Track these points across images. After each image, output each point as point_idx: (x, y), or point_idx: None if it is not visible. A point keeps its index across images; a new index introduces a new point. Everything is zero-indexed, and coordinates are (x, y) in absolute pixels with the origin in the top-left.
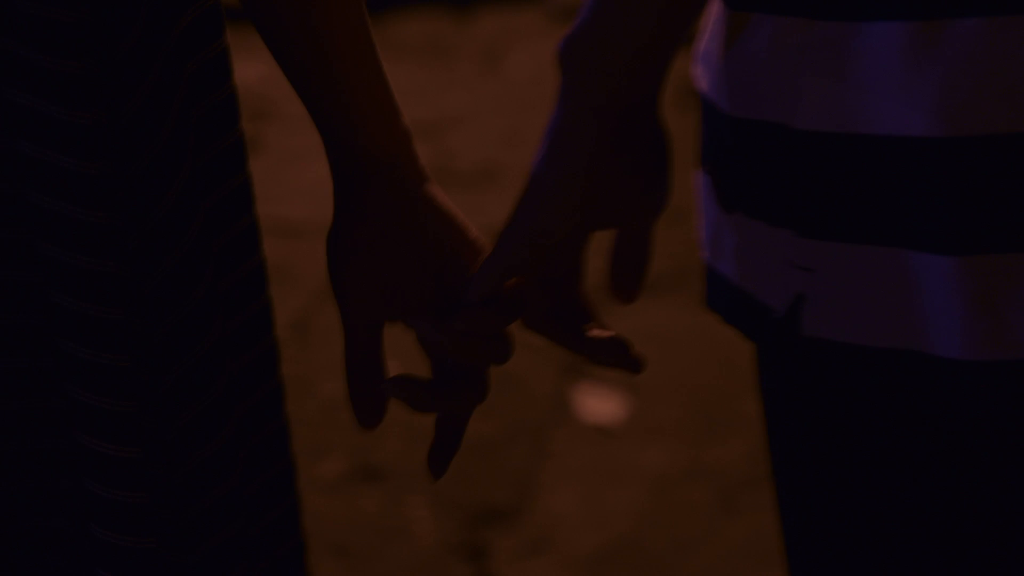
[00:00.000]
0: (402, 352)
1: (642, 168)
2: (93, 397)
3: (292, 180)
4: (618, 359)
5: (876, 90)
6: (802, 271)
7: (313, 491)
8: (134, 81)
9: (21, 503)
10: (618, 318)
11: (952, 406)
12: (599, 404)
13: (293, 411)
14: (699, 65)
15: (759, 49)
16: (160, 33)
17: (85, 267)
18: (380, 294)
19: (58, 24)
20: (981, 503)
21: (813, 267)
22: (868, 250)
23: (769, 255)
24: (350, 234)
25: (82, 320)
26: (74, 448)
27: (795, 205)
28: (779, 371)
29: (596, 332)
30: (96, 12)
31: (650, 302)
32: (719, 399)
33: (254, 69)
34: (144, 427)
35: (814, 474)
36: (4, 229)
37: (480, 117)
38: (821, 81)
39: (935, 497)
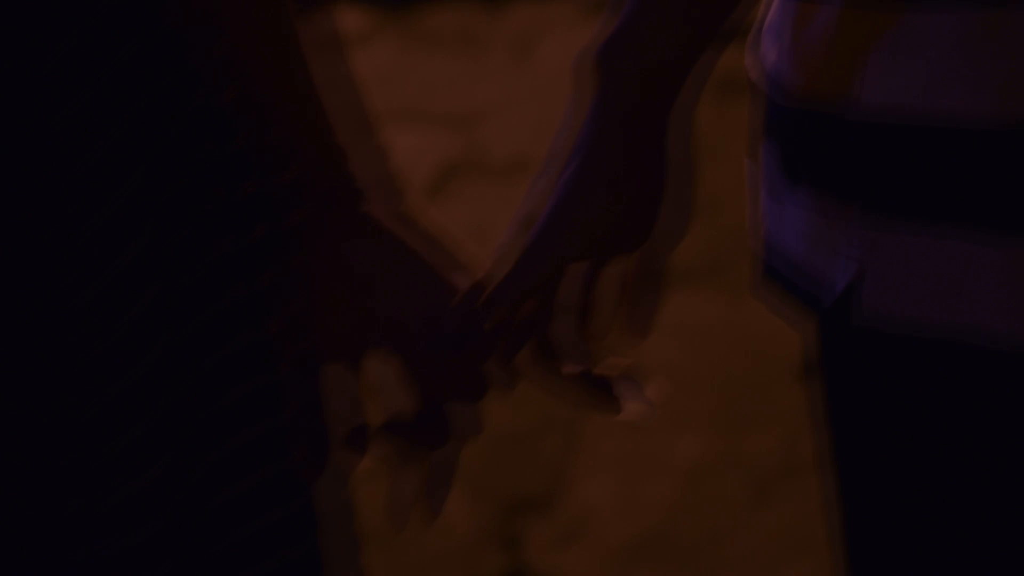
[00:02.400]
0: None
1: (664, 186)
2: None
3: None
4: (629, 395)
5: (941, 78)
6: (864, 249)
7: (345, 483)
8: None
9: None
10: None
11: (996, 397)
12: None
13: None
14: (762, 48)
15: (827, 33)
16: None
17: None
18: (352, 330)
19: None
20: None
21: (875, 245)
22: (924, 238)
23: (834, 230)
24: (309, 268)
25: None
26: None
27: (861, 181)
28: (839, 351)
29: (605, 370)
30: None
31: (682, 293)
32: (751, 390)
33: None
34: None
35: (872, 459)
36: None
37: (512, 109)
38: (886, 66)
39: (989, 488)
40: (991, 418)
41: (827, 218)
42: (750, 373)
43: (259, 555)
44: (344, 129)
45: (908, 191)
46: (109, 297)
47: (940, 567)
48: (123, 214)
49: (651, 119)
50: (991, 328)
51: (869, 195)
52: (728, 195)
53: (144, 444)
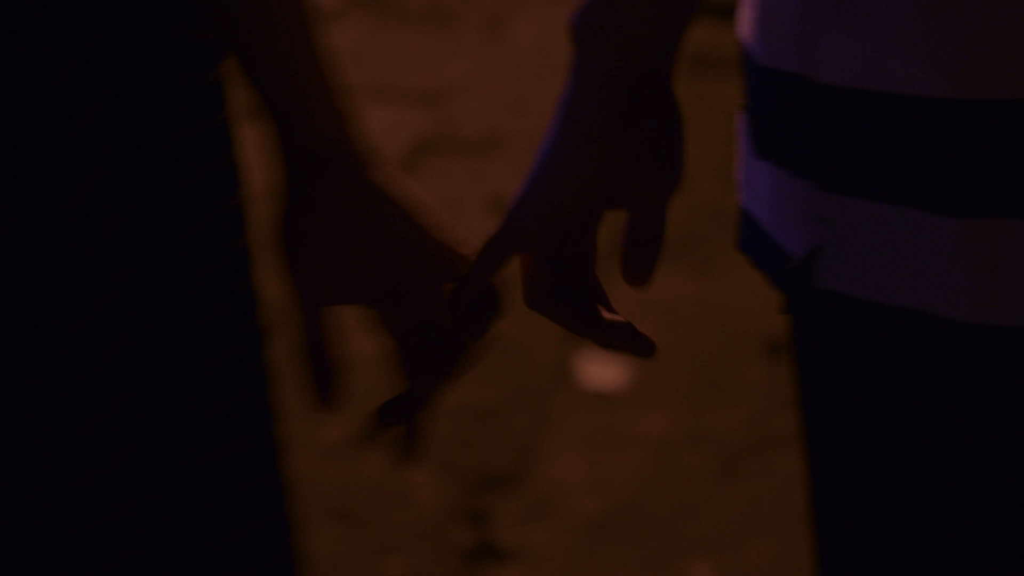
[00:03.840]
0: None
1: (655, 143)
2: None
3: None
4: (628, 343)
5: (894, 49)
6: (821, 223)
7: (314, 456)
8: None
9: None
10: (619, 285)
11: (957, 368)
12: (601, 371)
13: (294, 379)
14: (742, 15)
15: (787, 4)
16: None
17: None
18: (333, 279)
19: None
20: (989, 467)
21: (831, 220)
22: (882, 207)
23: (793, 204)
24: (298, 221)
25: None
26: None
27: (817, 157)
28: (803, 324)
29: (607, 316)
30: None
31: None
32: (720, 366)
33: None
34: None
35: (839, 431)
36: None
37: (484, 85)
38: (842, 36)
39: (954, 459)
40: (953, 389)
41: (789, 188)
42: (719, 349)
43: (226, 527)
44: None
45: (865, 163)
46: (81, 281)
47: (909, 540)
48: (92, 199)
49: (637, 79)
50: (947, 301)
51: (828, 166)
52: (699, 172)
53: (115, 420)
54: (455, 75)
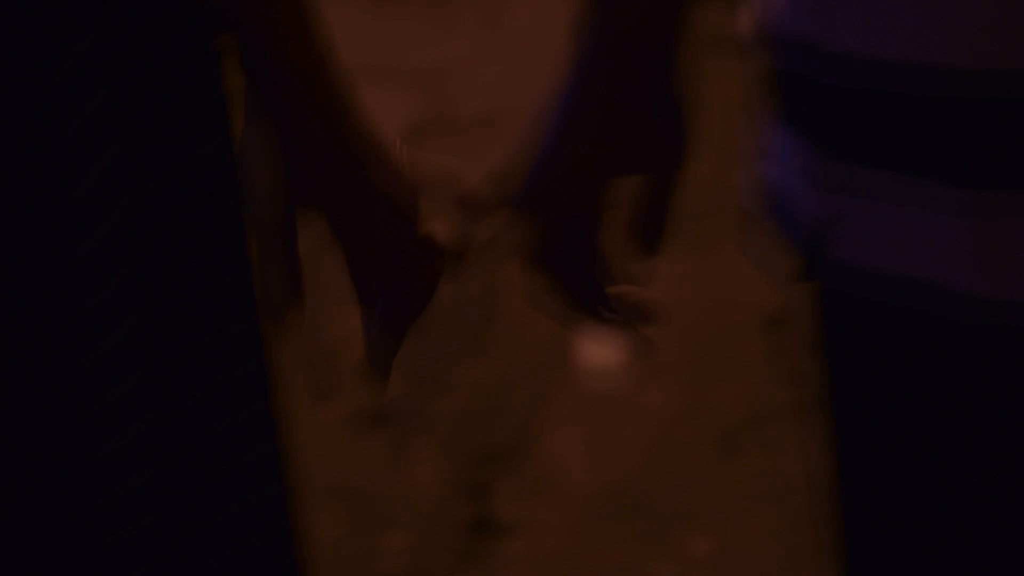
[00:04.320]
0: None
1: (664, 112)
2: None
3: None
4: (626, 323)
5: (907, 17)
6: (837, 192)
7: (315, 434)
8: None
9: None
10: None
11: (967, 340)
12: (600, 347)
13: (295, 353)
14: None
15: None
16: None
17: None
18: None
19: None
20: (1004, 448)
21: (847, 189)
22: (896, 177)
23: (811, 172)
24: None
25: None
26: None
27: (834, 126)
28: (817, 300)
29: (611, 291)
30: None
31: None
32: (719, 340)
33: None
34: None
35: (862, 405)
36: None
37: (481, 66)
38: (860, 3)
39: (966, 437)
40: (965, 369)
41: (807, 156)
42: (717, 323)
43: (225, 502)
44: (359, 90)
45: (881, 132)
46: (97, 291)
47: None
48: (105, 206)
49: (643, 51)
50: (957, 273)
51: (844, 135)
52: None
53: (118, 399)
54: (452, 56)
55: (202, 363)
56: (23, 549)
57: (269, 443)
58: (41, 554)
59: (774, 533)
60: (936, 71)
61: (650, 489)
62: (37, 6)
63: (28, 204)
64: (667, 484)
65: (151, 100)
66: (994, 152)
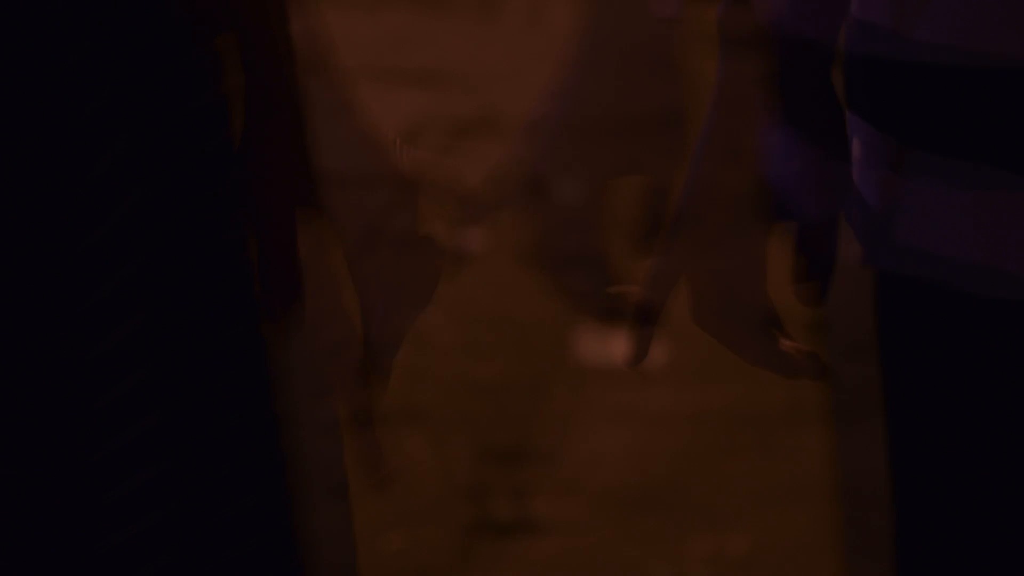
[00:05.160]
0: None
1: (813, 143)
2: None
3: (335, 131)
4: (808, 372)
5: (976, 7)
6: (901, 179)
7: (314, 433)
8: None
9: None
10: None
11: None
12: (611, 347)
13: (296, 353)
14: None
15: None
16: None
17: None
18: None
19: None
20: None
21: (911, 175)
22: (961, 165)
23: (875, 159)
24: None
25: None
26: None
27: (900, 113)
28: (883, 281)
29: (785, 344)
30: None
31: None
32: None
33: (300, 23)
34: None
35: (920, 395)
36: None
37: (524, 71)
38: (936, 2)
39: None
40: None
41: (872, 142)
42: None
43: (228, 501)
44: (359, 89)
45: (949, 121)
46: (107, 297)
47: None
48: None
49: (785, 80)
50: (1017, 268)
51: (911, 122)
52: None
53: (124, 395)
54: (495, 61)
55: (203, 362)
56: (25, 547)
57: (271, 442)
58: (41, 553)
59: (808, 533)
60: (1003, 59)
61: (685, 489)
62: (38, 6)
63: (29, 204)
64: (703, 484)
65: (151, 100)
66: None
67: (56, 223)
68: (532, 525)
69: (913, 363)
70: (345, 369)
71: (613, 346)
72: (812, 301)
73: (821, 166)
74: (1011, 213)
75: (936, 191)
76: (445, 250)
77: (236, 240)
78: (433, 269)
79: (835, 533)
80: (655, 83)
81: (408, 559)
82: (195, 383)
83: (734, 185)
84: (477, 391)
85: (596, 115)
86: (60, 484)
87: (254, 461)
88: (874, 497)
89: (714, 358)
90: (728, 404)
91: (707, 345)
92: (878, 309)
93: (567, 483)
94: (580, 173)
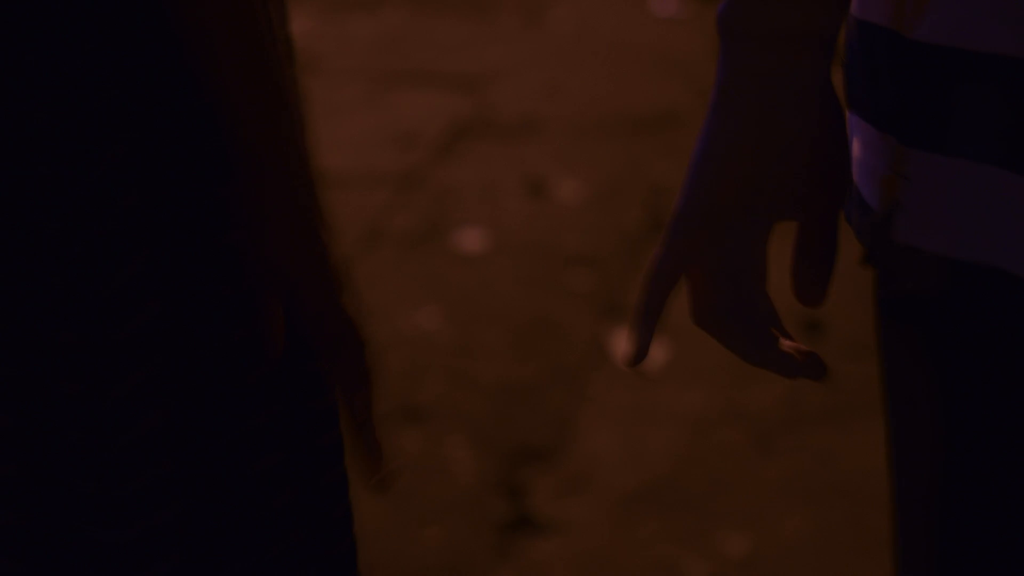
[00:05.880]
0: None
1: (814, 144)
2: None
3: (335, 132)
4: (808, 372)
5: (984, 8)
6: (901, 178)
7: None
8: None
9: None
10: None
11: None
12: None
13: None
14: None
15: None
16: None
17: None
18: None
19: None
20: None
21: (911, 176)
22: (962, 164)
23: (875, 158)
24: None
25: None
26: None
27: (900, 113)
28: (885, 280)
29: (785, 344)
30: None
31: None
32: None
33: (300, 24)
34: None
35: (920, 394)
36: None
37: (521, 71)
38: None
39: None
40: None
41: (873, 142)
42: None
43: (292, 481)
44: (357, 89)
45: (949, 120)
46: (120, 287)
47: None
48: (120, 213)
49: (787, 78)
50: (1019, 269)
51: (911, 122)
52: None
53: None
54: (493, 61)
55: (207, 360)
56: (37, 536)
57: (334, 429)
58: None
59: (810, 534)
60: (1009, 61)
61: (686, 489)
62: (39, 7)
63: (31, 204)
64: (703, 485)
65: (151, 100)
66: None
67: (56, 223)
68: (532, 524)
69: (914, 356)
70: (345, 369)
71: (614, 346)
72: (812, 301)
73: (821, 165)
74: (1010, 212)
75: (936, 190)
76: (444, 250)
77: (236, 240)
78: (433, 269)
79: (835, 533)
80: (655, 83)
81: (408, 559)
82: (201, 381)
83: (735, 184)
84: (477, 391)
85: (596, 115)
86: (73, 475)
87: (319, 444)
88: (874, 497)
89: (714, 358)
90: (728, 404)
91: (707, 345)
92: (881, 306)
93: (567, 483)
94: (580, 173)
